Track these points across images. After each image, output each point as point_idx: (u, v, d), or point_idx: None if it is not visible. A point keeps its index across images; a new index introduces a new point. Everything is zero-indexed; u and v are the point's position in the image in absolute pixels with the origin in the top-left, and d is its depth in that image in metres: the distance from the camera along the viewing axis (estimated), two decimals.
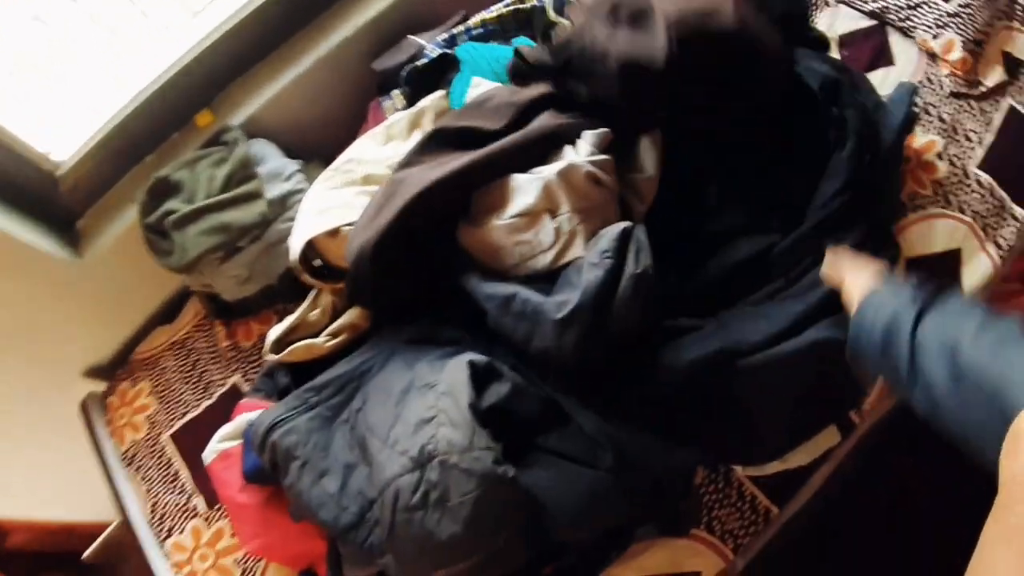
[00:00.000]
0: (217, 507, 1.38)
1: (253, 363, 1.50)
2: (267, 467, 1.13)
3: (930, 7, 1.46)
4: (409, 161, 1.20)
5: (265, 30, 1.49)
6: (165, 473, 1.45)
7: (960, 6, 1.43)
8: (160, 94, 1.42)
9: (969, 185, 1.37)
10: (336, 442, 1.11)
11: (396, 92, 1.46)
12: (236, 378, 1.50)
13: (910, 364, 0.72)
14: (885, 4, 1.50)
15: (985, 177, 1.37)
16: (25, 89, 1.96)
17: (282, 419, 1.12)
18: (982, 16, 1.43)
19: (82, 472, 1.79)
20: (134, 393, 1.54)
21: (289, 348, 1.25)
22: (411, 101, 1.43)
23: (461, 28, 1.49)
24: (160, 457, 1.46)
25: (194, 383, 1.52)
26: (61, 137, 1.62)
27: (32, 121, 1.66)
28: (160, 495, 1.43)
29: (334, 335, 1.28)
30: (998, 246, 1.34)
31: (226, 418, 1.33)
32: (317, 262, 1.29)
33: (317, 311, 1.31)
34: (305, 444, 1.09)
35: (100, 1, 1.98)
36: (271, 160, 1.43)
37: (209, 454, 1.30)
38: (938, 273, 1.32)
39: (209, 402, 1.49)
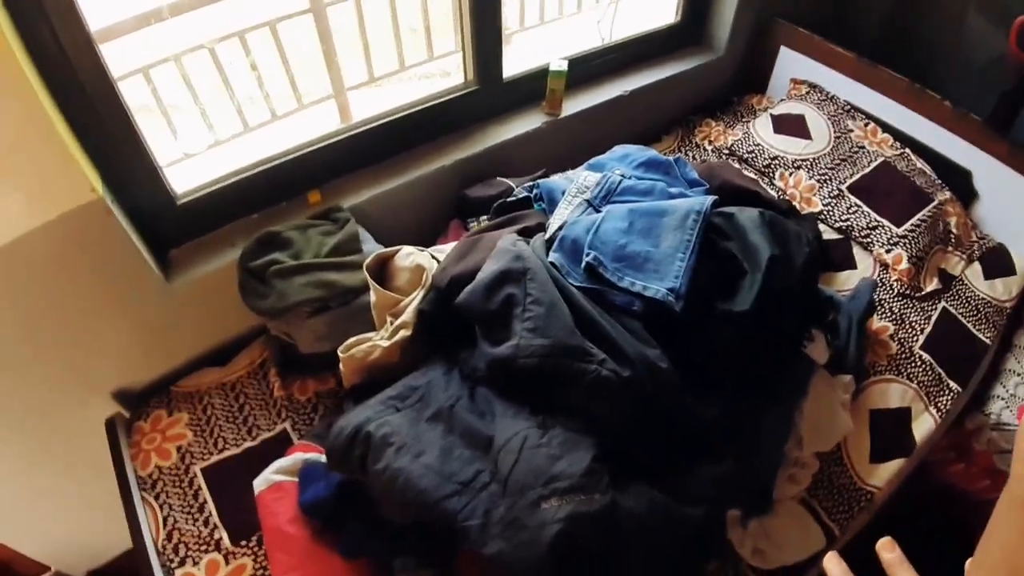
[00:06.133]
0: (243, 543, 1.35)
1: (304, 415, 1.56)
2: (353, 463, 1.17)
3: (884, 229, 1.94)
4: (486, 228, 1.56)
5: (384, 141, 1.82)
6: (190, 503, 1.42)
7: (908, 230, 1.92)
8: (286, 164, 1.67)
9: (914, 361, 1.74)
10: (428, 433, 1.18)
11: (483, 218, 1.77)
12: (286, 425, 1.54)
13: None
14: (849, 224, 1.99)
15: (927, 356, 1.75)
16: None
17: (372, 417, 1.21)
18: (924, 240, 1.92)
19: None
20: (169, 422, 1.54)
21: (354, 346, 1.36)
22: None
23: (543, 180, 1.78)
24: (187, 487, 1.44)
25: (239, 424, 1.54)
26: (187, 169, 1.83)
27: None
28: (180, 523, 1.38)
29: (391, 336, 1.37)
30: (938, 409, 1.67)
31: (265, 462, 1.38)
32: None
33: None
34: (400, 433, 1.17)
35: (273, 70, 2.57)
36: (369, 243, 1.65)
37: (261, 483, 1.34)
38: (895, 424, 1.62)
39: (250, 443, 1.51)
